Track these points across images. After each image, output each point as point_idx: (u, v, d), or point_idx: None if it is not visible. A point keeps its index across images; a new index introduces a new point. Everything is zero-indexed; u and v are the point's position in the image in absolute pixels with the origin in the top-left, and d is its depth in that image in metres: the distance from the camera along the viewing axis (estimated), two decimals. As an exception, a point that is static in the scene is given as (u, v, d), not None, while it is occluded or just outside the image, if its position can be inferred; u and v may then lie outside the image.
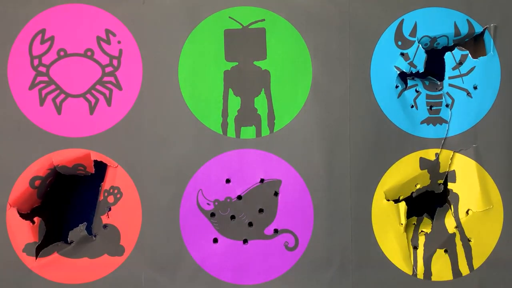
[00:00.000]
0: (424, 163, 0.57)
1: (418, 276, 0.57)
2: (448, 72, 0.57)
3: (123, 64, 0.56)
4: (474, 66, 0.57)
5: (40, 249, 0.56)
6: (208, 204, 0.57)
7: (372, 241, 0.57)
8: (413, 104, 0.57)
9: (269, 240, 0.56)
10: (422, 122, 0.57)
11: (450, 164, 0.58)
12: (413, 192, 0.58)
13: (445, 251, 0.57)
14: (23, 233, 0.55)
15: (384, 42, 0.56)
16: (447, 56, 0.57)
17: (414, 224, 0.59)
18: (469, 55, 0.56)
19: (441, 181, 0.59)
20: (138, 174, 0.56)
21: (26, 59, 0.56)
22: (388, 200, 0.57)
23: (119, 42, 0.56)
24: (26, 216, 0.56)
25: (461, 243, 0.57)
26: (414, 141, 0.57)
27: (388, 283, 0.57)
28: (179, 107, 0.56)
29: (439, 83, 0.58)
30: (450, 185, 0.58)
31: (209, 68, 0.56)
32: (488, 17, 0.56)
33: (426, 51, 0.56)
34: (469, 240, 0.57)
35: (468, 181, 0.57)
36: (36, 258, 0.55)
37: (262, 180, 0.57)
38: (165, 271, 0.56)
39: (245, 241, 0.57)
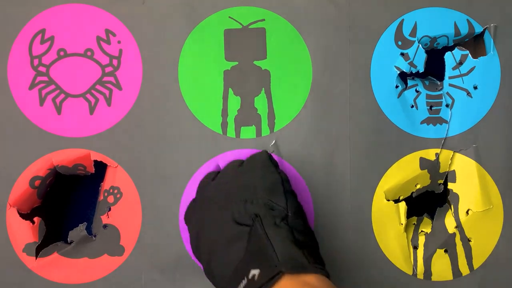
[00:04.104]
0: (424, 163, 0.57)
1: (418, 276, 0.57)
2: (448, 72, 0.57)
3: (123, 64, 0.56)
4: (474, 66, 0.57)
5: (40, 249, 0.56)
6: (208, 204, 0.56)
7: (372, 241, 0.57)
8: (413, 104, 0.57)
9: (269, 240, 0.56)
10: (422, 122, 0.57)
11: (450, 164, 0.58)
12: (413, 192, 0.58)
13: (445, 251, 0.57)
14: (23, 233, 0.55)
15: (384, 42, 0.56)
16: (447, 56, 0.57)
17: (414, 224, 0.59)
18: (469, 55, 0.56)
19: (441, 181, 0.59)
20: (138, 174, 0.56)
21: (26, 59, 0.55)
22: (388, 200, 0.57)
23: (119, 42, 0.56)
24: (26, 216, 0.56)
25: (461, 243, 0.57)
26: (414, 141, 0.57)
27: (388, 283, 0.57)
28: (179, 107, 0.56)
29: (439, 83, 0.58)
30: (450, 185, 0.58)
31: (209, 68, 0.56)
32: (488, 17, 0.56)
33: (426, 51, 0.56)
34: (469, 240, 0.57)
35: (468, 181, 0.57)
36: (36, 258, 0.55)
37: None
38: (165, 271, 0.56)
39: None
